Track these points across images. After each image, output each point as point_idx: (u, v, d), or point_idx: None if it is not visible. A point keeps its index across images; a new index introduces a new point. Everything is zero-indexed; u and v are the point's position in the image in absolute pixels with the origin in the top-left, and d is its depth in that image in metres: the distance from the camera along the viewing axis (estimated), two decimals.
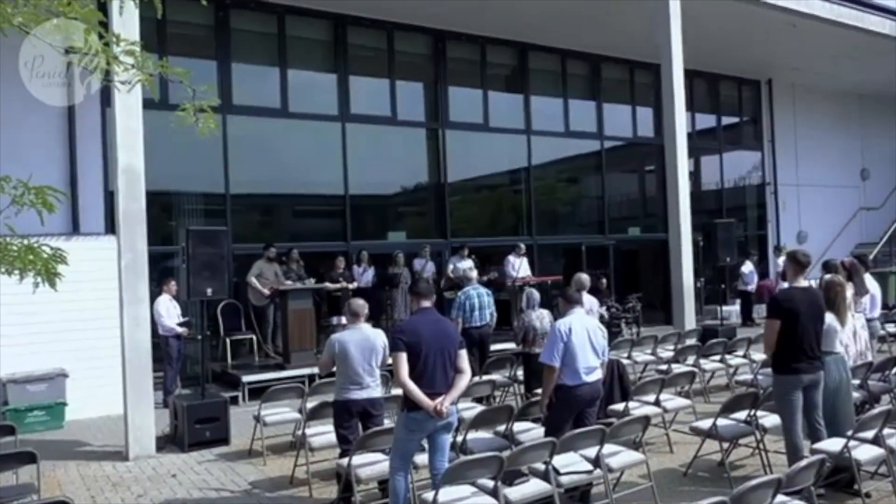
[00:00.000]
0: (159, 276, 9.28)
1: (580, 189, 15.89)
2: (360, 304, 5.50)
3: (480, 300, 8.72)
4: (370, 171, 12.25)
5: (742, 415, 5.71)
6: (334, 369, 5.43)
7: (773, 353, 5.13)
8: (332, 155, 11.84)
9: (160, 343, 8.76)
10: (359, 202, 12.17)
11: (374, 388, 5.36)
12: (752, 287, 15.18)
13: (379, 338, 5.42)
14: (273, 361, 10.10)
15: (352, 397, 5.28)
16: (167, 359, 8.96)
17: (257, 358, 10.38)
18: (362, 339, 5.34)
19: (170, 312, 8.98)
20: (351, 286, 10.78)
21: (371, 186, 12.52)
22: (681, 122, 11.29)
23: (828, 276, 6.32)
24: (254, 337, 10.42)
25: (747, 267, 15.16)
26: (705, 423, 5.74)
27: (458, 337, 4.76)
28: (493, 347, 9.61)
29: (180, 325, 9.07)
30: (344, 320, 7.27)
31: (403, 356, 4.45)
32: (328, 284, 10.74)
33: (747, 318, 14.85)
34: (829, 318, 5.43)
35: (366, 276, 11.33)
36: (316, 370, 8.44)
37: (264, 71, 11.55)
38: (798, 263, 5.26)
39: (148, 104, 7.13)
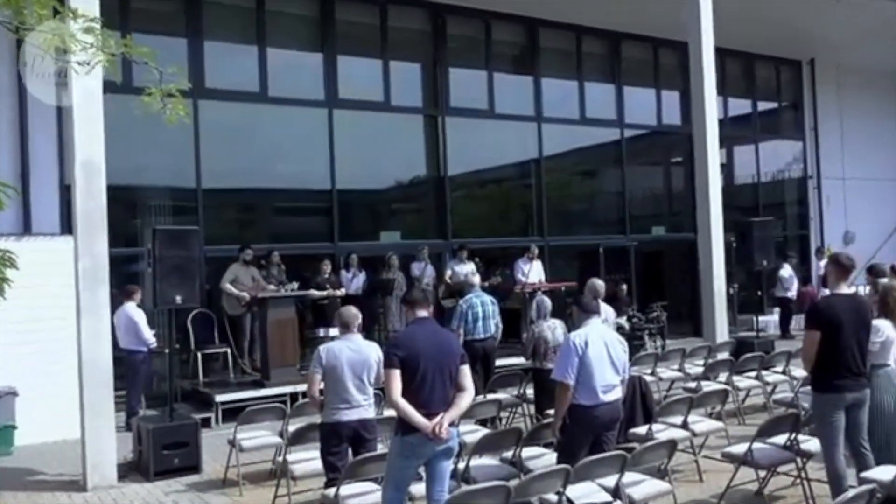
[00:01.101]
0: (120, 282, 9.26)
1: (597, 184, 15.92)
2: (353, 314, 5.53)
3: (484, 309, 8.72)
4: (360, 163, 12.26)
5: (781, 439, 5.72)
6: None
7: (813, 369, 5.14)
8: (318, 145, 11.85)
9: (123, 358, 8.75)
10: (348, 198, 12.17)
11: (366, 408, 5.39)
12: (792, 293, 15.17)
13: (373, 351, 5.45)
14: (250, 378, 10.09)
15: (342, 419, 5.30)
16: (132, 376, 8.93)
17: (233, 374, 10.36)
18: (354, 351, 5.37)
19: (144, 323, 8.96)
20: (339, 293, 10.78)
21: (361, 181, 12.54)
22: (711, 107, 11.29)
23: (884, 281, 6.34)
24: (229, 351, 10.41)
25: (786, 271, 15.12)
26: (739, 449, 5.74)
27: (459, 351, 4.76)
28: (499, 362, 9.62)
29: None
30: (332, 331, 7.29)
31: (397, 373, 4.45)
32: (313, 291, 10.73)
33: (786, 330, 14.84)
34: (887, 326, 5.47)
35: (355, 281, 11.33)
36: (301, 388, 8.44)
37: (241, 50, 11.56)
38: (841, 267, 5.26)
39: (109, 88, 7.15)
